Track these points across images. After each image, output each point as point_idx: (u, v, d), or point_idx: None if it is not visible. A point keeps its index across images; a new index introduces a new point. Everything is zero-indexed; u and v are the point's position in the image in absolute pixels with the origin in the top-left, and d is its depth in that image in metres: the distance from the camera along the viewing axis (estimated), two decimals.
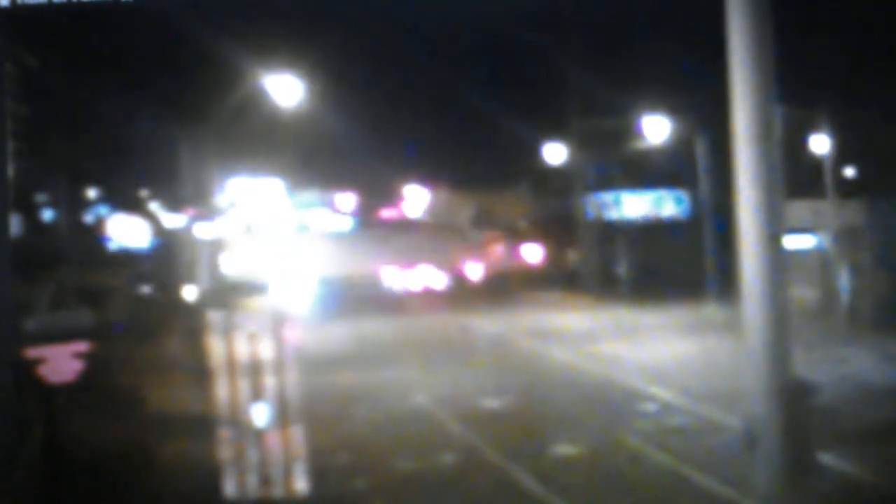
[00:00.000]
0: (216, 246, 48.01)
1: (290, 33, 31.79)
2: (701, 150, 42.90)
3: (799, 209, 33.69)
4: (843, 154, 38.24)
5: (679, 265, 42.47)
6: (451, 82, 51.29)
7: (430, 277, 52.58)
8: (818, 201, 34.87)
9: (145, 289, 43.36)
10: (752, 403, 9.35)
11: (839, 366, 25.63)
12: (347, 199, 72.86)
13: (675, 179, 50.28)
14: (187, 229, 34.00)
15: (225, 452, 15.53)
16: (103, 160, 52.02)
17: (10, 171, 10.24)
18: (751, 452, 9.32)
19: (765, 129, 9.35)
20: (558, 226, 54.85)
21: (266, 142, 49.42)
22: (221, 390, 15.68)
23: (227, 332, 15.84)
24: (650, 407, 23.66)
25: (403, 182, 71.83)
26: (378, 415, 23.95)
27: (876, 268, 35.11)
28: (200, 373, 19.80)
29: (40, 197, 48.93)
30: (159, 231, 57.09)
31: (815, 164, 35.67)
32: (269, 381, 15.55)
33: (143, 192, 68.01)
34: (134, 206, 62.62)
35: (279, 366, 15.60)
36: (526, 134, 52.35)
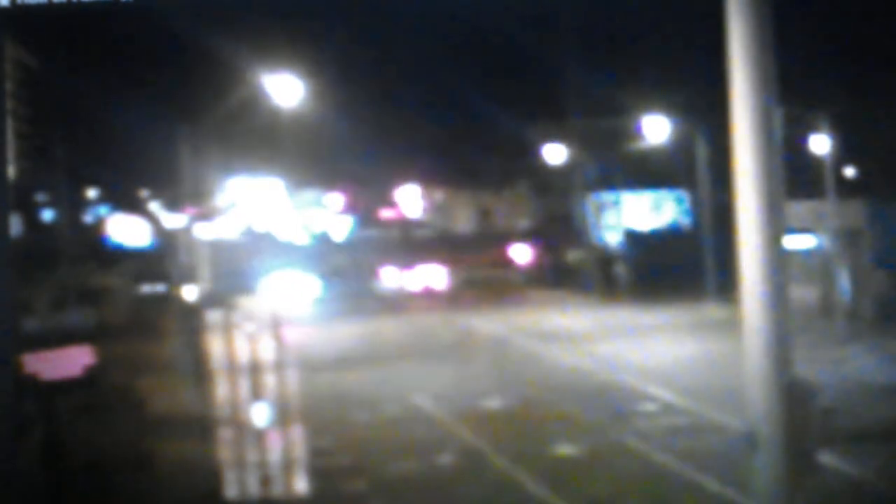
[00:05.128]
0: (216, 246, 48.01)
1: (290, 33, 31.80)
2: (700, 150, 42.88)
3: (799, 209, 33.67)
4: (843, 154, 38.21)
5: (679, 265, 42.46)
6: (451, 82, 51.32)
7: (430, 278, 52.59)
8: (818, 201, 34.85)
9: (145, 288, 43.40)
10: (752, 403, 9.32)
11: (839, 365, 25.64)
12: (347, 199, 72.94)
13: (675, 179, 50.31)
14: (187, 229, 33.96)
15: (225, 452, 15.52)
16: (103, 160, 52.06)
17: (10, 171, 10.23)
18: (751, 452, 9.29)
19: (765, 129, 9.33)
20: (558, 226, 54.84)
21: (266, 142, 49.39)
22: (221, 390, 15.67)
23: (227, 332, 15.84)
24: (650, 407, 23.66)
25: (403, 182, 71.91)
26: (378, 415, 23.96)
27: (876, 268, 35.10)
28: (200, 373, 19.79)
29: (40, 197, 48.98)
30: (159, 231, 57.14)
31: (815, 164, 35.64)
32: (269, 381, 15.55)
33: (143, 192, 68.11)
34: (134, 206, 62.68)
35: (278, 366, 15.60)
36: (526, 134, 52.34)
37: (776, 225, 9.29)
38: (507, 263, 56.19)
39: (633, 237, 50.12)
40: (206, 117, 32.05)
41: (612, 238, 51.85)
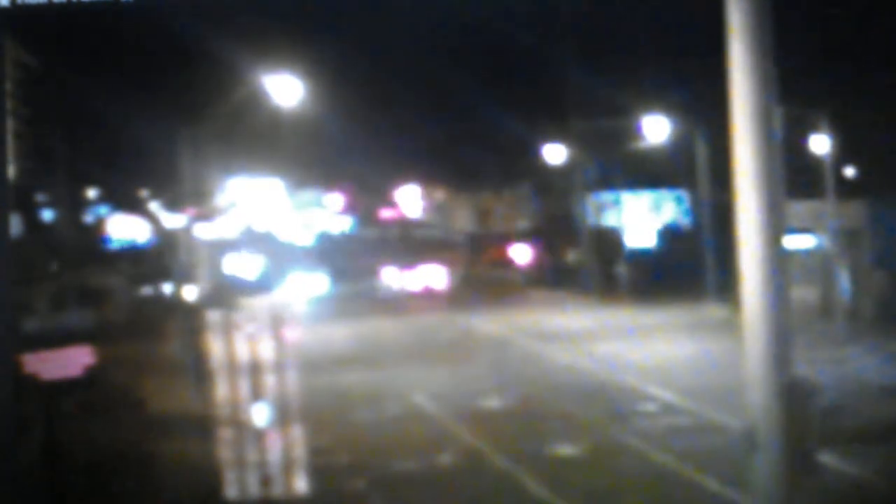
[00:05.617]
0: (217, 246, 48.03)
1: (290, 33, 31.78)
2: (700, 150, 42.90)
3: (799, 209, 33.66)
4: (843, 154, 38.21)
5: (679, 265, 42.49)
6: (451, 82, 51.29)
7: (430, 278, 52.60)
8: (818, 201, 34.85)
9: (145, 289, 43.42)
10: (751, 403, 9.32)
11: (839, 365, 25.63)
12: (347, 199, 72.97)
13: (675, 179, 50.30)
14: (187, 229, 33.97)
15: (225, 452, 15.53)
16: (103, 160, 52.06)
17: (10, 171, 10.23)
18: (751, 452, 9.30)
19: (765, 129, 9.33)
20: (558, 226, 54.83)
21: (266, 142, 49.39)
22: (221, 390, 15.68)
23: (227, 332, 15.85)
24: (650, 407, 23.67)
25: (403, 182, 71.92)
26: (378, 414, 23.96)
27: (876, 268, 35.09)
28: (200, 373, 19.80)
29: (40, 197, 48.96)
30: (159, 231, 57.13)
31: (815, 164, 35.65)
32: (269, 381, 15.56)
33: (143, 192, 68.10)
34: (134, 206, 62.68)
35: (279, 366, 15.61)
36: (526, 134, 52.32)
37: (776, 225, 9.30)
38: (508, 263, 56.22)
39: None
40: (206, 117, 32.05)
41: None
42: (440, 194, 73.94)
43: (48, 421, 18.16)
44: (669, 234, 50.89)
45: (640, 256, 48.61)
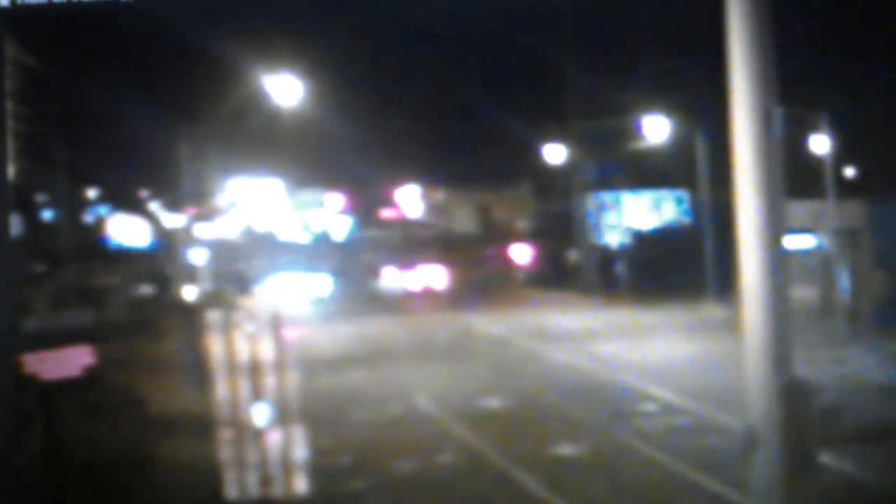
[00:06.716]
0: (217, 245, 48.02)
1: (290, 33, 31.80)
2: (700, 150, 42.92)
3: (799, 209, 33.66)
4: (843, 154, 38.26)
5: (679, 265, 42.51)
6: (451, 82, 51.30)
7: (430, 278, 52.58)
8: (818, 201, 34.86)
9: (145, 288, 43.42)
10: (751, 404, 9.32)
11: (839, 365, 25.62)
12: (347, 199, 72.90)
13: (675, 179, 50.32)
14: (187, 229, 33.99)
15: (225, 452, 15.53)
16: (103, 160, 52.06)
17: (10, 171, 10.23)
18: (751, 452, 9.30)
19: (764, 128, 9.33)
20: (558, 226, 54.84)
21: (266, 142, 49.42)
22: (221, 390, 15.68)
23: (227, 332, 15.85)
24: (650, 407, 23.66)
25: (403, 182, 71.87)
26: (378, 415, 23.96)
27: (876, 268, 35.08)
28: (200, 373, 19.80)
29: (40, 197, 48.99)
30: (159, 231, 57.13)
31: (815, 164, 35.67)
32: (269, 381, 15.56)
33: (143, 192, 68.09)
34: (134, 206, 62.70)
35: (279, 366, 15.61)
36: (526, 134, 52.33)
37: (776, 225, 9.31)
38: (508, 263, 56.22)
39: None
40: (206, 117, 32.07)
41: (613, 238, 51.98)
42: (440, 194, 73.91)
43: (48, 421, 18.16)
44: (669, 234, 50.90)
45: (640, 256, 48.62)
